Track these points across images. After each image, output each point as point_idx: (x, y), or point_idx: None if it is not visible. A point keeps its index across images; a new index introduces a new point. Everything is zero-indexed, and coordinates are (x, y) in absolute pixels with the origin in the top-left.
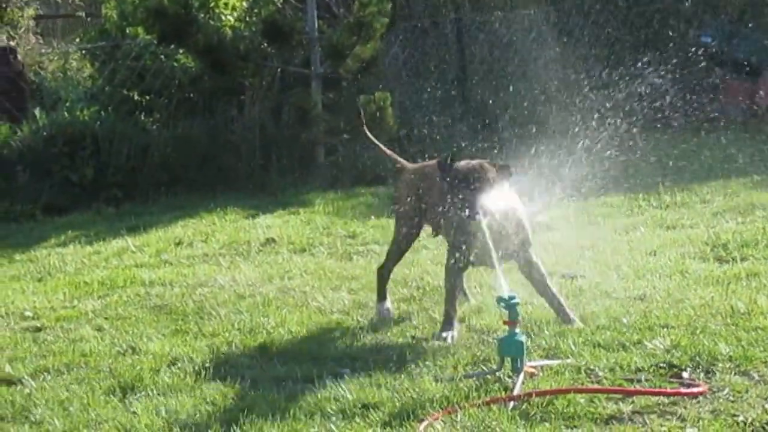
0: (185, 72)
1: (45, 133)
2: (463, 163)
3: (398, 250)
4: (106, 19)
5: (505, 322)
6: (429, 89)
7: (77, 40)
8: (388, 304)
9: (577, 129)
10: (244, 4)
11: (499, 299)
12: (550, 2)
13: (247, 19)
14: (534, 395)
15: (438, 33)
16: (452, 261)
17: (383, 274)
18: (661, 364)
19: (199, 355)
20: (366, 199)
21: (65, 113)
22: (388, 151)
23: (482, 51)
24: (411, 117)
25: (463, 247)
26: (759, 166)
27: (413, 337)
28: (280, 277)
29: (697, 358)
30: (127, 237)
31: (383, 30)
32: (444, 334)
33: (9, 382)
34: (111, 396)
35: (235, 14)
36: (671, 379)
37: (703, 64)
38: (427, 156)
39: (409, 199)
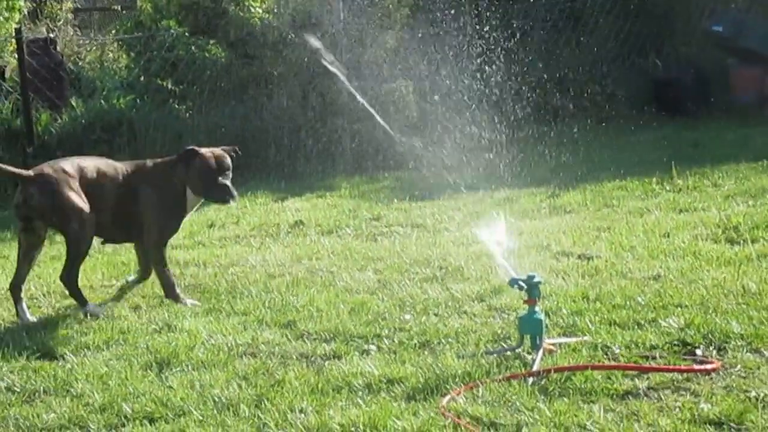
0: (216, 62)
1: (83, 121)
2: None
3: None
4: (141, 11)
5: (525, 301)
6: (448, 77)
7: (113, 31)
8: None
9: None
10: None
11: (513, 281)
12: None
13: (275, 10)
14: (553, 371)
15: (457, 23)
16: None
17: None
18: (676, 342)
19: (231, 332)
20: (389, 183)
21: (102, 102)
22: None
23: (500, 40)
24: (430, 105)
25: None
26: None
27: (436, 315)
28: (308, 258)
29: (710, 336)
30: None
31: (405, 20)
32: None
33: (51, 357)
34: (148, 371)
35: (264, 6)
36: (685, 357)
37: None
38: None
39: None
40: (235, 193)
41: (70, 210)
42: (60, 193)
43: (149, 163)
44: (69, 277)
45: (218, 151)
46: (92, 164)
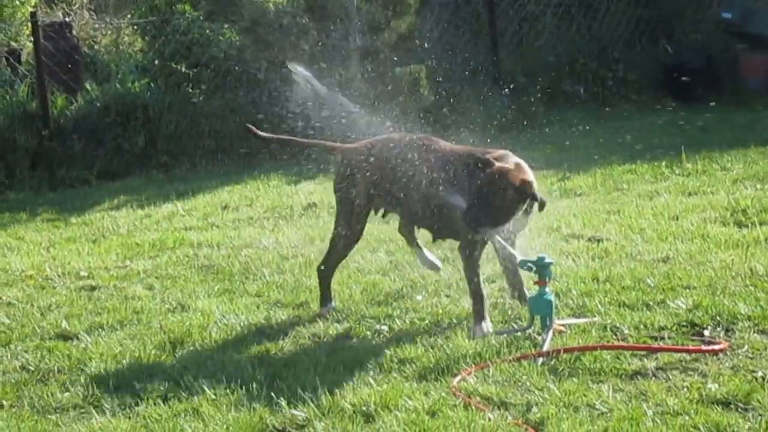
0: (231, 46)
1: (99, 104)
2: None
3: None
4: None
5: (536, 282)
6: (461, 62)
7: (128, 15)
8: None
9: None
10: None
11: (523, 262)
12: None
13: None
14: (562, 352)
15: (470, 8)
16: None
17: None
18: (684, 323)
19: (244, 312)
20: None
21: (117, 85)
22: (313, 141)
23: (512, 25)
24: (444, 88)
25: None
26: None
27: (447, 296)
28: (321, 240)
29: (718, 318)
30: (176, 201)
31: (417, 5)
32: (478, 328)
33: (66, 337)
34: (161, 350)
35: None
36: (693, 337)
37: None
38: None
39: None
40: None
41: None
42: None
43: None
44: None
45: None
46: None
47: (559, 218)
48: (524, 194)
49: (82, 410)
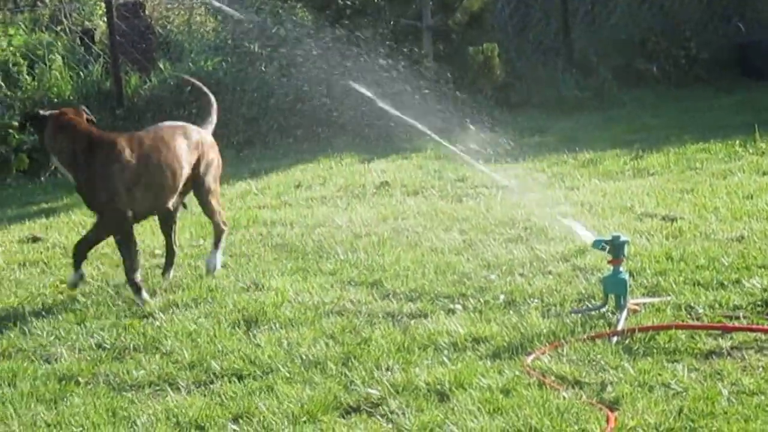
0: (303, 25)
1: (171, 83)
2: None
3: None
4: None
5: (609, 261)
6: (533, 40)
7: None
8: None
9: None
10: None
11: (597, 242)
12: None
13: None
14: (637, 331)
15: None
16: None
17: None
18: (759, 302)
19: (318, 291)
20: (474, 146)
21: (190, 64)
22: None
23: (584, 4)
24: (516, 67)
25: None
26: None
27: (521, 275)
28: (394, 218)
29: None
30: (250, 180)
31: None
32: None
33: (141, 315)
34: (236, 329)
35: None
36: None
37: None
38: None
39: None
40: None
41: None
42: None
43: None
44: None
45: None
46: None
47: (633, 197)
48: None
49: (157, 387)
